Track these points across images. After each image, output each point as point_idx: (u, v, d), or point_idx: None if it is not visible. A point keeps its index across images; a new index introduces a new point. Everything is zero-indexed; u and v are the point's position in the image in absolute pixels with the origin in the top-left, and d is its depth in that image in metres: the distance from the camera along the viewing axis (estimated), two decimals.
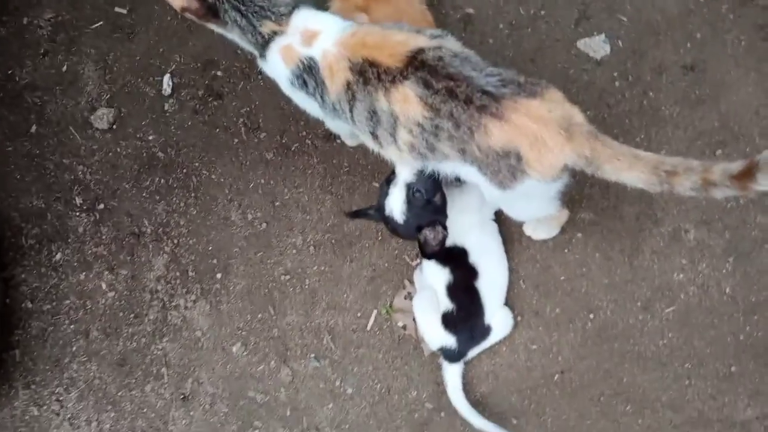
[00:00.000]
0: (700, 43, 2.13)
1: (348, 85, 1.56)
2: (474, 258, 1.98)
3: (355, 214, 2.06)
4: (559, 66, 2.21)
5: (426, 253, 1.89)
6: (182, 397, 2.24)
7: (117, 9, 2.67)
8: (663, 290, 1.97)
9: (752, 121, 2.04)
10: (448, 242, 1.87)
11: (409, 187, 1.76)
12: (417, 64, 1.46)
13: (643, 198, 2.05)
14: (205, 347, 2.26)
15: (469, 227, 1.96)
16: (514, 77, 1.52)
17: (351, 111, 1.64)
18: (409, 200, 1.77)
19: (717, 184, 1.38)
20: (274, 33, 1.71)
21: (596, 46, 2.20)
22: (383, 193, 1.88)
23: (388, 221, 1.87)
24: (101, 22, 2.67)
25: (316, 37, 1.64)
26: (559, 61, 2.21)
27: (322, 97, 1.71)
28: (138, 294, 2.36)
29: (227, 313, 2.28)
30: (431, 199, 1.77)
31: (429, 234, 1.79)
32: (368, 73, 1.50)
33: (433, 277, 2.00)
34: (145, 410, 2.26)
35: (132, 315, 2.34)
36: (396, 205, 1.79)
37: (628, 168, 1.43)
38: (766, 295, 1.95)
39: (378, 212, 1.88)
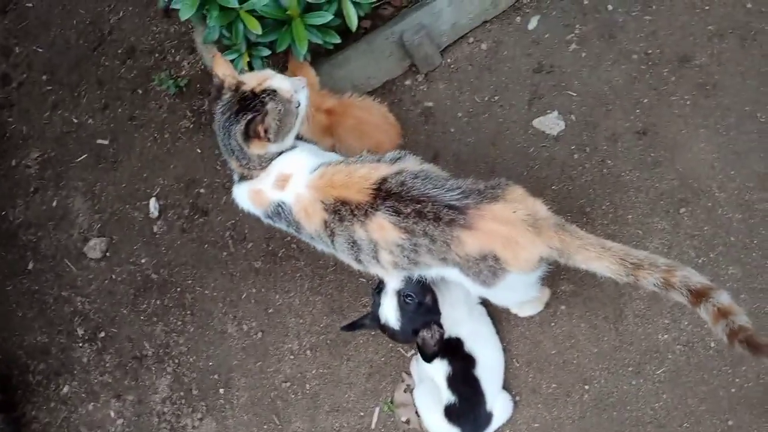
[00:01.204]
0: (648, 108, 2.14)
1: (326, 224, 1.62)
2: (469, 346, 1.93)
3: (351, 327, 2.01)
4: (518, 146, 2.21)
5: (426, 355, 1.86)
6: None
7: (99, 141, 2.76)
8: (651, 352, 1.97)
9: (709, 176, 2.07)
10: None
11: (400, 294, 1.75)
12: (384, 195, 1.53)
13: None
14: None
15: (461, 318, 1.96)
16: (474, 186, 1.54)
17: (332, 243, 1.66)
18: (402, 307, 1.76)
19: (676, 288, 1.41)
20: (242, 174, 1.75)
21: (551, 123, 2.24)
22: (375, 303, 1.86)
23: (385, 329, 1.88)
24: (85, 155, 2.76)
25: (289, 181, 1.67)
26: (519, 142, 2.21)
27: (297, 230, 1.73)
28: (146, 418, 2.29)
29: (233, 427, 2.20)
30: (422, 301, 1.76)
31: (426, 335, 1.77)
32: (342, 212, 1.55)
33: (432, 369, 1.94)
34: None
35: None
36: (390, 313, 1.78)
37: (597, 257, 1.50)
38: None
39: (374, 321, 1.91)
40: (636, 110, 2.19)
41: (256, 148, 1.69)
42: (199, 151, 2.57)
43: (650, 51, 2.24)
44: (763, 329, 1.94)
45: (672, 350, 1.97)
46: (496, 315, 2.10)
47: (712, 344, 1.95)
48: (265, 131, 1.65)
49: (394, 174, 1.53)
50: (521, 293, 1.77)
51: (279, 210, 1.67)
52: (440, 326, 1.78)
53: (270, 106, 1.66)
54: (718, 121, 2.12)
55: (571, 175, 2.18)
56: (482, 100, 2.34)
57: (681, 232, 2.04)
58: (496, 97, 2.33)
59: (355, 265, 1.73)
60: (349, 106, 2.11)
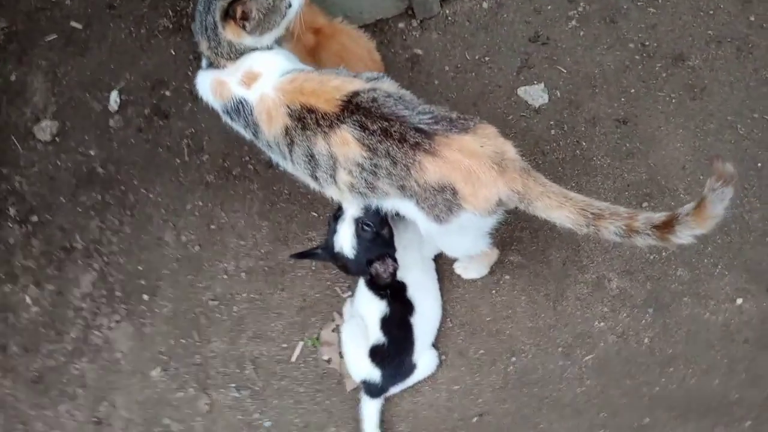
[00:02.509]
0: (633, 99, 2.09)
1: (287, 131, 1.54)
2: (412, 293, 1.88)
3: (302, 255, 1.93)
4: (499, 111, 2.13)
5: (378, 286, 1.81)
6: (95, 420, 2.08)
7: (73, 23, 2.58)
8: (584, 337, 1.92)
9: (678, 176, 2.03)
10: None
11: (358, 222, 1.69)
12: (352, 108, 1.46)
13: (570, 244, 1.99)
14: (124, 370, 2.07)
15: (411, 263, 1.87)
16: (446, 114, 1.47)
17: (290, 153, 1.57)
18: (359, 235, 1.70)
19: (639, 232, 1.37)
20: (209, 59, 1.65)
21: (535, 94, 2.17)
22: (331, 230, 1.79)
23: (337, 258, 1.80)
24: (55, 36, 2.58)
25: (257, 80, 1.58)
26: (500, 107, 2.14)
27: (255, 134, 1.64)
28: (62, 310, 2.16)
29: (150, 336, 2.10)
30: (380, 232, 1.70)
31: (380, 267, 1.72)
32: (307, 120, 1.48)
33: (368, 308, 1.88)
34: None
35: (53, 332, 2.14)
36: (345, 240, 1.72)
37: (557, 206, 1.44)
38: (681, 348, 1.87)
39: (326, 251, 1.82)
40: (621, 98, 2.13)
41: (230, 33, 1.58)
42: (173, 52, 2.43)
43: (647, 43, 2.18)
44: (699, 335, 1.92)
45: (605, 339, 1.92)
46: (439, 273, 2.03)
47: (646, 341, 1.92)
48: (244, 17, 1.54)
49: (368, 90, 1.46)
50: (471, 241, 1.69)
51: (239, 107, 1.57)
52: (395, 260, 1.72)
53: None
54: (699, 125, 2.07)
55: (544, 149, 2.12)
56: (472, 58, 2.26)
57: None
58: (487, 58, 2.25)
59: (311, 183, 1.65)
60: (338, 31, 2.01)
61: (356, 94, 1.45)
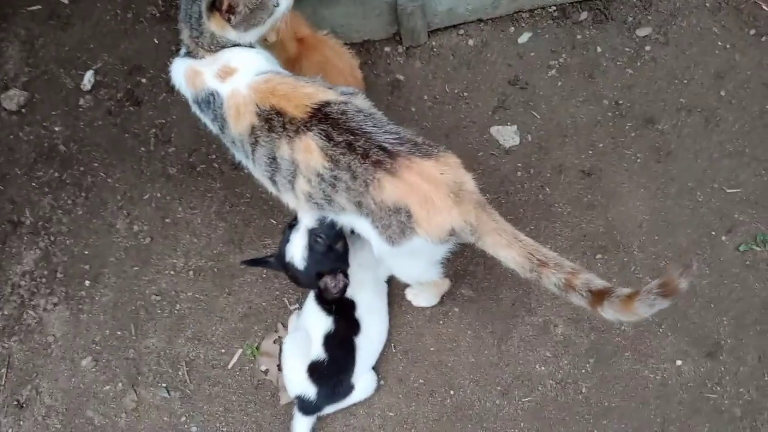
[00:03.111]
0: (600, 153, 2.12)
1: (252, 129, 1.52)
2: (360, 313, 1.86)
3: (254, 262, 1.89)
4: (470, 146, 2.14)
5: (326, 301, 1.77)
6: (17, 403, 1.99)
7: None
8: (523, 379, 1.91)
9: (634, 234, 2.06)
10: None
11: (311, 233, 1.65)
12: (321, 117, 1.45)
13: (522, 285, 1.99)
14: (54, 355, 1.99)
15: (364, 283, 1.82)
16: (412, 137, 1.47)
17: (252, 153, 1.56)
18: (311, 246, 1.66)
19: (576, 290, 1.39)
20: (188, 49, 1.66)
21: (507, 135, 2.19)
22: (284, 240, 1.75)
23: (288, 268, 1.75)
24: (39, 6, 2.51)
25: (232, 75, 1.56)
26: (471, 142, 2.15)
27: (221, 128, 1.61)
28: None
29: (86, 323, 2.03)
30: (333, 246, 1.67)
31: (330, 282, 1.68)
32: (274, 121, 1.48)
33: (313, 322, 1.84)
34: None
35: None
36: (297, 250, 1.67)
37: (506, 245, 1.44)
38: (617, 402, 1.87)
39: (278, 260, 1.79)
40: (589, 151, 2.17)
41: (214, 25, 1.57)
42: (156, 41, 2.40)
43: (621, 102, 2.23)
44: (636, 391, 1.93)
45: (544, 383, 1.92)
46: (391, 297, 2.01)
47: (583, 390, 1.92)
48: (230, 10, 1.52)
49: (339, 102, 1.45)
50: (422, 267, 1.68)
51: (210, 99, 1.54)
52: (346, 275, 1.68)
53: None
54: (660, 187, 2.11)
55: (508, 189, 2.13)
56: (451, 92, 2.28)
57: None
58: (465, 94, 2.27)
59: (269, 186, 1.63)
60: (321, 43, 2.01)
61: (327, 104, 1.44)
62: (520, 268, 1.41)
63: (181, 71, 1.65)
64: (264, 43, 1.86)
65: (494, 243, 1.41)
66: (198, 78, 1.61)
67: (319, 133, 1.42)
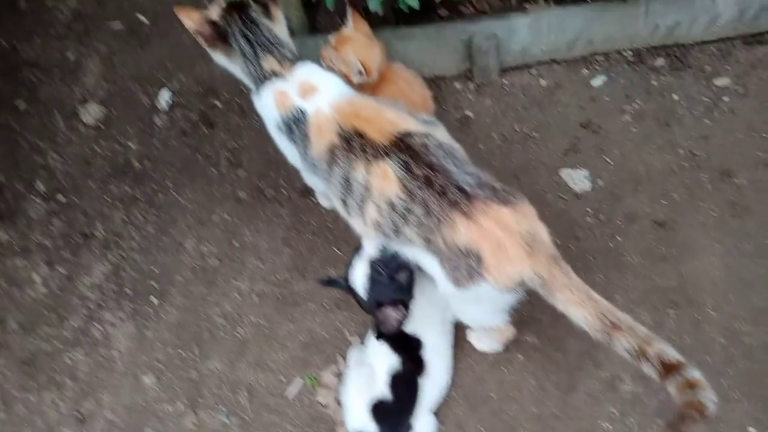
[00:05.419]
0: (675, 204, 2.05)
1: (332, 148, 1.52)
2: (426, 354, 1.75)
3: (329, 282, 1.86)
4: (538, 188, 2.10)
5: (383, 333, 1.71)
6: (78, 415, 1.99)
7: (139, 15, 2.58)
8: None
9: (708, 291, 1.95)
10: (409, 330, 1.72)
11: (373, 262, 1.63)
12: (402, 146, 1.43)
13: (589, 337, 1.94)
14: (118, 370, 1.99)
15: (432, 322, 1.77)
16: (491, 182, 1.44)
17: (329, 172, 1.55)
18: (372, 275, 1.63)
19: (648, 359, 1.32)
20: (274, 72, 1.63)
21: (578, 179, 2.13)
22: (351, 264, 1.73)
23: (353, 294, 1.74)
24: (120, 24, 2.57)
25: (314, 93, 1.58)
26: (540, 184, 2.10)
27: (304, 150, 1.62)
28: (68, 296, 2.09)
29: (150, 340, 2.02)
30: (394, 276, 1.63)
31: (389, 312, 1.64)
32: (353, 142, 1.48)
33: (379, 358, 1.76)
34: (36, 419, 1.95)
35: (55, 315, 2.07)
36: (359, 278, 1.65)
37: (578, 303, 1.38)
38: None
39: (346, 281, 1.76)
40: (663, 201, 2.08)
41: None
42: None
43: (697, 152, 2.14)
44: None
45: None
46: (454, 339, 1.95)
47: None
48: None
49: (421, 134, 1.43)
50: (487, 313, 1.64)
51: (298, 117, 1.56)
52: (407, 308, 1.63)
53: None
54: (736, 243, 2.02)
55: (577, 235, 2.06)
56: (521, 131, 2.22)
57: (662, 331, 1.92)
58: (535, 134, 2.21)
59: (339, 207, 1.58)
60: (397, 75, 2.01)
61: (409, 134, 1.42)
62: (590, 329, 1.34)
63: (271, 96, 1.65)
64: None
65: (565, 299, 1.35)
66: (286, 99, 1.62)
67: (398, 162, 1.40)
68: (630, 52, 2.31)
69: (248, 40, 1.65)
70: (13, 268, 2.19)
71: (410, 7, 1.95)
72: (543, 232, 1.44)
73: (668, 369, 1.31)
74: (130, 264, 2.16)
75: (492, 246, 1.38)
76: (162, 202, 2.24)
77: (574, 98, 2.27)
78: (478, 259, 1.40)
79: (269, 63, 1.66)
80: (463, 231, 1.39)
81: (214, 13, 1.69)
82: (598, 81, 2.29)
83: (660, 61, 2.30)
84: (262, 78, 1.67)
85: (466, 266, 1.42)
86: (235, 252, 2.15)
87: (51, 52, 2.56)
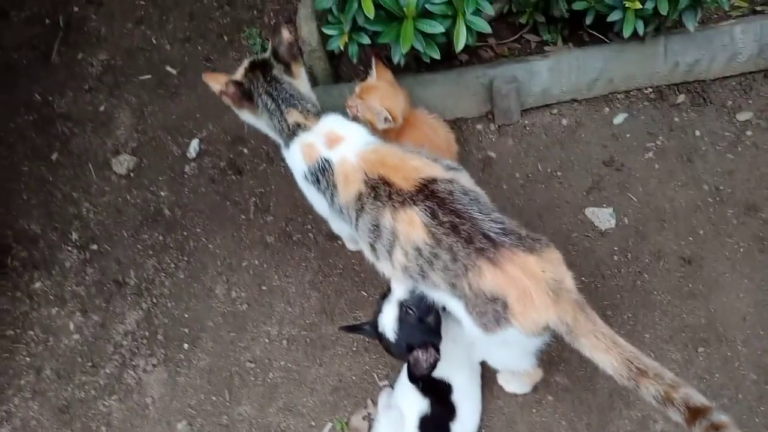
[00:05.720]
0: (701, 240, 2.05)
1: (359, 196, 1.56)
2: (456, 397, 1.77)
3: (351, 329, 1.88)
4: (563, 227, 2.12)
5: (415, 376, 1.71)
6: None
7: (168, 68, 2.68)
8: None
9: (738, 327, 1.94)
10: (437, 374, 1.76)
11: (402, 305, 1.64)
12: (428, 193, 1.47)
13: None
14: (151, 417, 2.02)
15: (459, 365, 1.79)
16: (517, 229, 1.46)
17: (357, 219, 1.59)
18: (401, 318, 1.65)
19: (674, 404, 1.31)
20: (298, 125, 1.69)
21: (603, 217, 2.15)
22: (377, 310, 1.75)
23: (381, 338, 1.76)
24: (149, 76, 2.67)
25: (339, 143, 1.63)
26: (565, 223, 2.13)
27: (331, 198, 1.66)
28: (102, 344, 2.14)
29: (183, 386, 2.05)
30: (423, 318, 1.64)
31: (420, 355, 1.64)
32: (380, 190, 1.51)
33: (408, 403, 1.77)
34: None
35: (89, 363, 2.12)
36: (388, 321, 1.67)
37: (604, 350, 1.39)
38: None
39: (372, 328, 1.78)
40: (689, 237, 2.08)
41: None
42: None
43: (722, 188, 2.14)
44: None
45: None
46: (483, 381, 1.95)
47: None
48: None
49: (446, 180, 1.47)
50: (514, 357, 1.66)
51: (325, 166, 1.60)
52: (437, 350, 1.63)
53: None
54: (765, 278, 2.01)
55: (604, 273, 2.06)
56: (544, 170, 2.24)
57: (692, 369, 1.90)
58: (559, 173, 2.23)
59: (368, 252, 1.61)
60: (420, 120, 2.05)
61: (434, 180, 1.46)
62: (617, 375, 1.36)
63: (298, 149, 1.70)
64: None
65: (591, 345, 1.37)
66: (313, 150, 1.67)
67: (424, 209, 1.43)
68: (650, 90, 2.34)
69: (272, 97, 1.72)
70: (48, 317, 2.24)
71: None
72: (568, 279, 1.46)
73: (694, 414, 1.31)
74: (162, 310, 2.20)
75: (518, 293, 1.40)
76: (192, 248, 2.29)
77: (595, 136, 2.30)
78: (504, 305, 1.42)
79: (293, 116, 1.72)
80: (489, 277, 1.42)
81: (239, 74, 1.77)
82: (619, 119, 2.32)
83: (681, 98, 2.33)
84: (288, 131, 1.73)
85: (492, 312, 1.44)
86: (264, 296, 2.19)
87: (83, 104, 2.65)
